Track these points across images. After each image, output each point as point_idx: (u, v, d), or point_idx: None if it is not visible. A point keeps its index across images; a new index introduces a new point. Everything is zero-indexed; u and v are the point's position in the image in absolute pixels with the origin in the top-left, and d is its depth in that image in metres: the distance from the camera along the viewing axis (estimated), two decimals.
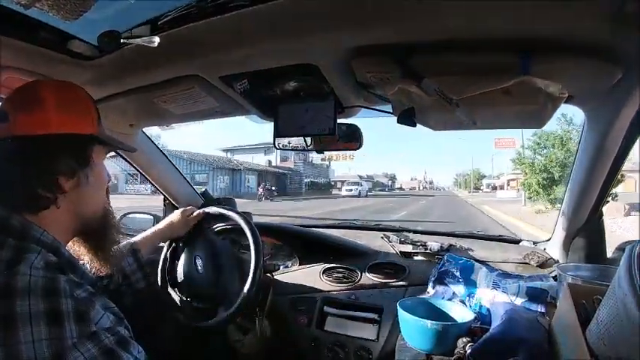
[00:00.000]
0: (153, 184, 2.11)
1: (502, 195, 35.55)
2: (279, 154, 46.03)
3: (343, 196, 36.98)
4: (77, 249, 0.94)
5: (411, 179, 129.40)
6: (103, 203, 0.96)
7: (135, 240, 1.43)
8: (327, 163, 53.74)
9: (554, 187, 16.59)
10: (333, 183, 46.17)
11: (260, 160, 45.28)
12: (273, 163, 45.89)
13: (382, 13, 0.91)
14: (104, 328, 0.72)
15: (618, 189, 13.97)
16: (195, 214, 1.60)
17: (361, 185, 43.00)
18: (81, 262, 0.94)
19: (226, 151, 49.78)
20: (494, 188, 57.57)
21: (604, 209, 1.52)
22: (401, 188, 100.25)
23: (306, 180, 48.08)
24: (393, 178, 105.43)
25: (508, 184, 46.53)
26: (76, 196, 0.85)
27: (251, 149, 48.97)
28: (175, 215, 1.57)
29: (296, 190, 42.98)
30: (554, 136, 17.40)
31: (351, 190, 40.53)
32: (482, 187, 72.53)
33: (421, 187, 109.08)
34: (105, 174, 0.95)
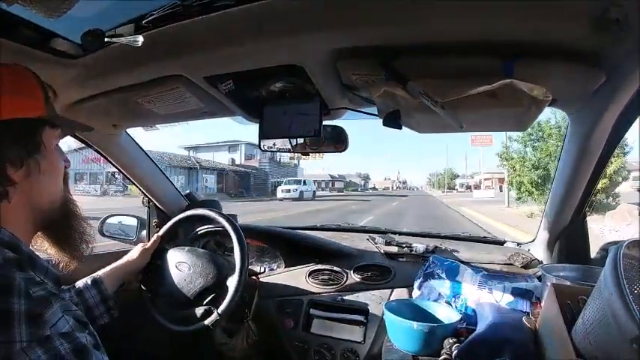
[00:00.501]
0: (137, 186, 2.07)
1: (479, 195, 34.48)
2: (244, 152, 44.88)
3: (280, 199, 31.38)
4: (42, 244, 0.89)
5: (385, 179, 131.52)
6: (61, 191, 0.88)
7: (97, 274, 1.37)
8: (296, 162, 51.83)
9: (550, 185, 14.70)
10: None
11: (224, 158, 43.90)
12: (237, 162, 44.48)
13: (370, 15, 0.91)
14: (60, 333, 0.65)
15: (620, 188, 13.19)
16: (151, 242, 1.58)
17: (304, 184, 36.06)
18: (47, 258, 0.87)
19: (189, 149, 47.88)
20: (469, 188, 57.79)
21: (607, 214, 1.55)
22: (374, 188, 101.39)
23: (272, 180, 45.71)
24: (366, 178, 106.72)
25: (482, 183, 46.59)
26: (28, 186, 0.78)
27: (214, 147, 47.80)
28: (134, 250, 1.54)
29: (260, 190, 41.09)
30: (549, 126, 15.18)
31: (289, 191, 33.43)
32: (456, 187, 73.35)
33: (394, 187, 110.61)
34: (60, 159, 0.87)
